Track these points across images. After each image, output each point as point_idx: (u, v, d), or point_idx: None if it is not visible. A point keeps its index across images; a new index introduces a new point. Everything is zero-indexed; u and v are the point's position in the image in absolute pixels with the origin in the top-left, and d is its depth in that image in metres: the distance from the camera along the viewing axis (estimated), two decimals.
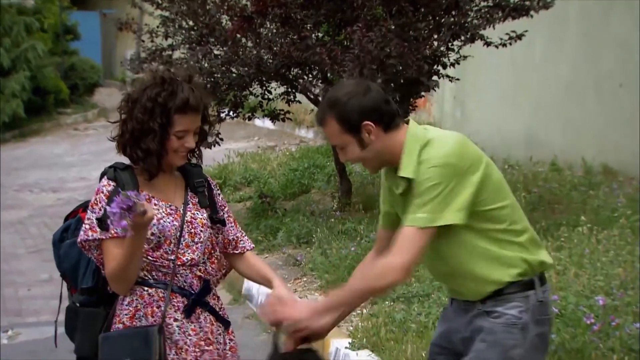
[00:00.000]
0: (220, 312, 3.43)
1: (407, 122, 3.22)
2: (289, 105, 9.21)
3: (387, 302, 6.29)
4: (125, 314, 3.29)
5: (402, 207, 3.21)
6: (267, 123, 12.67)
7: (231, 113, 8.86)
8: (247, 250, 3.51)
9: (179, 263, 3.26)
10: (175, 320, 3.28)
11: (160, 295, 3.27)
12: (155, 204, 3.27)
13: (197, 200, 3.37)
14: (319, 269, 7.35)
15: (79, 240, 3.24)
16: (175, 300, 3.28)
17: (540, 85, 11.03)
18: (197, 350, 3.30)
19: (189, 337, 3.30)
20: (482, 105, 12.03)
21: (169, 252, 3.27)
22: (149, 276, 3.27)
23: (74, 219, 3.46)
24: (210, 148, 9.06)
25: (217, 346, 3.37)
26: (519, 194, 8.77)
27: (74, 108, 21.89)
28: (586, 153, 9.93)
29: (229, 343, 3.45)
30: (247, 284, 7.55)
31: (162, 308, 3.26)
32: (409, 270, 3.09)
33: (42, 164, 15.86)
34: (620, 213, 7.53)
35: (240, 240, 3.51)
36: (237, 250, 3.49)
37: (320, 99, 8.35)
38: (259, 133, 16.25)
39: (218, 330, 3.40)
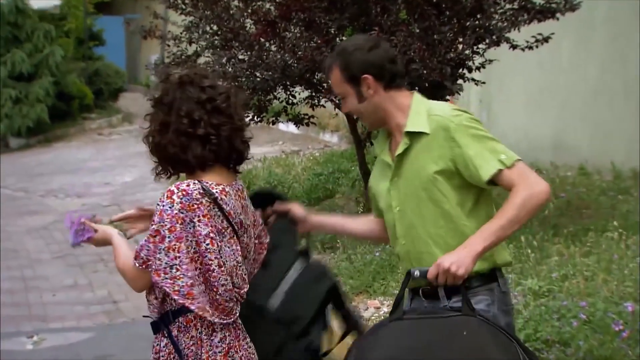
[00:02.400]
0: None
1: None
2: (313, 109, 9.16)
3: None
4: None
5: (395, 172, 3.21)
6: (292, 127, 12.62)
7: (255, 118, 8.83)
8: None
9: None
10: None
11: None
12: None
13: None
14: (343, 274, 7.29)
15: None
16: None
17: (567, 88, 10.92)
18: None
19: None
20: (509, 108, 11.93)
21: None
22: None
23: None
24: None
25: None
26: None
27: (99, 113, 21.95)
28: (615, 157, 9.81)
29: None
30: None
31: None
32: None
33: (67, 169, 15.91)
34: None
35: None
36: None
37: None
38: (283, 137, 16.22)
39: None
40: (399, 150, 3.18)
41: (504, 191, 3.13)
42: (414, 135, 3.16)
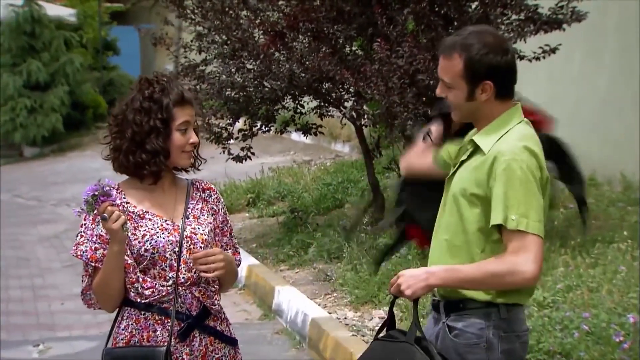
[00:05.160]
0: (225, 332, 3.33)
1: (515, 102, 3.17)
2: (322, 119, 9.19)
3: None
4: (121, 339, 3.21)
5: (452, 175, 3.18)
6: (303, 137, 12.71)
7: (263, 127, 8.86)
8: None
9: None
10: (170, 345, 3.17)
11: (157, 318, 3.18)
12: (149, 219, 3.19)
13: (199, 213, 3.28)
14: (349, 284, 7.30)
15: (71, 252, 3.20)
16: (170, 323, 3.18)
17: (577, 99, 10.88)
18: None
19: None
20: None
21: (166, 270, 3.17)
22: (144, 298, 3.16)
23: None
24: (241, 162, 9.10)
25: None
26: (555, 210, 8.66)
27: None
28: (625, 168, 9.76)
29: None
30: (278, 299, 7.52)
31: (159, 332, 3.17)
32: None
33: (81, 178, 15.98)
34: None
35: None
36: None
37: (353, 114, 8.32)
38: (294, 147, 16.24)
39: (217, 352, 3.29)
40: (463, 157, 3.13)
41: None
42: (477, 147, 3.09)
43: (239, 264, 3.41)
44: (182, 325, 3.19)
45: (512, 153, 2.99)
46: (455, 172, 3.17)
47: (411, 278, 3.03)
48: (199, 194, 3.33)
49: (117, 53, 24.03)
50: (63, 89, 20.26)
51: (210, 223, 3.29)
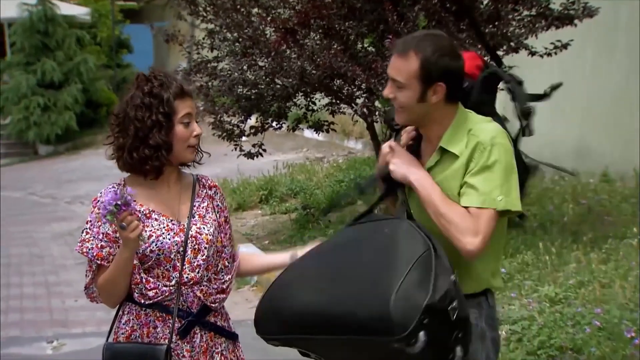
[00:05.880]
0: (226, 327, 3.33)
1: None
2: (334, 116, 9.20)
3: None
4: (122, 333, 3.21)
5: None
6: (316, 134, 12.74)
7: (274, 124, 8.88)
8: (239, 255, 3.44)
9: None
10: (171, 342, 3.18)
11: (157, 315, 3.18)
12: (155, 219, 3.18)
13: (204, 212, 3.27)
14: None
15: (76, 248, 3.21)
16: (171, 321, 3.18)
17: (591, 95, 10.86)
18: None
19: (183, 359, 3.21)
20: None
21: (170, 270, 3.17)
22: (148, 299, 3.16)
23: None
24: (253, 158, 9.12)
25: None
26: (567, 205, 8.65)
27: None
28: (638, 164, 9.74)
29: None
30: None
31: (159, 329, 3.18)
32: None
33: (94, 176, 16.06)
34: None
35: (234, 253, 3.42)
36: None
37: (364, 110, 8.33)
38: (307, 144, 16.26)
39: (217, 346, 3.30)
40: (430, 164, 3.11)
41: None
42: (446, 152, 3.08)
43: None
44: (183, 322, 3.19)
45: (490, 139, 3.00)
46: None
47: (400, 163, 3.08)
48: (205, 191, 3.32)
49: (130, 51, 24.11)
50: (77, 87, 20.34)
51: (215, 221, 3.28)
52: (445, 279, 2.84)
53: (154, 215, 3.18)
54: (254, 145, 9.02)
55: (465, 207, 2.98)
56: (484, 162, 3.00)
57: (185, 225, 3.19)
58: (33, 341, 7.35)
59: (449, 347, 2.88)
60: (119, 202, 2.93)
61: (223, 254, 3.31)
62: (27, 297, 8.75)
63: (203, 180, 3.35)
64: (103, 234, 3.14)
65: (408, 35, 3.19)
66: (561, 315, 5.67)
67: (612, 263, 6.70)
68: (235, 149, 8.89)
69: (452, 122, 3.09)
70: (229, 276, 3.32)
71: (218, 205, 3.34)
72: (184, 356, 3.20)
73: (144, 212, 3.17)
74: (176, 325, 3.18)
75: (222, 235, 3.32)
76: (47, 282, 9.41)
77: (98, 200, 3.17)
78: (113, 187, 3.10)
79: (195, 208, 3.26)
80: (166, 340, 3.16)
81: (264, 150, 8.85)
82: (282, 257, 3.41)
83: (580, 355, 5.19)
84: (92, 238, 3.15)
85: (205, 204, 3.29)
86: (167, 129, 3.14)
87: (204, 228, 3.22)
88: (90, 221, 3.17)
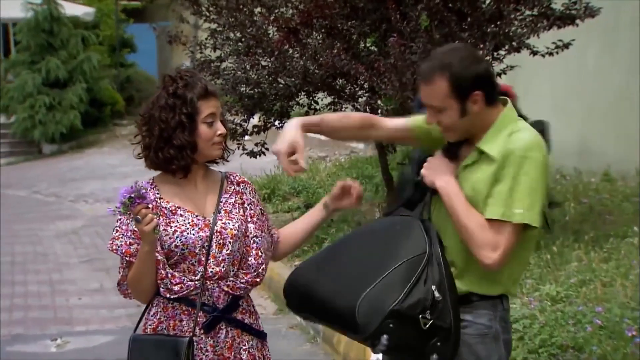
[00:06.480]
0: (254, 325, 3.35)
1: (504, 103, 3.15)
2: None
3: None
4: (150, 325, 3.28)
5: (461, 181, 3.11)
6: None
7: (277, 123, 8.91)
8: (280, 235, 3.48)
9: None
10: (195, 335, 3.22)
11: (184, 309, 3.23)
12: (180, 215, 3.23)
13: (231, 207, 3.30)
14: None
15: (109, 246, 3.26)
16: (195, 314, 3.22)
17: (593, 94, 10.88)
18: None
19: (206, 354, 3.24)
20: (534, 114, 11.79)
21: (195, 265, 3.21)
22: (173, 293, 3.21)
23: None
24: (255, 157, 9.15)
25: None
26: (569, 204, 8.68)
27: (130, 119, 22.22)
28: None
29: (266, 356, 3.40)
30: None
31: (184, 322, 3.22)
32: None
33: (98, 175, 16.11)
34: None
35: (274, 235, 3.46)
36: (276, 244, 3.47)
37: (367, 109, 8.35)
38: (310, 143, 16.27)
39: (244, 344, 3.31)
40: (466, 162, 3.09)
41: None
42: (484, 153, 3.06)
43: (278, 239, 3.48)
44: (208, 317, 3.23)
45: (524, 150, 2.99)
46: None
47: (431, 168, 3.11)
48: (233, 187, 3.35)
49: (134, 50, 24.15)
50: (81, 86, 20.39)
51: (242, 217, 3.30)
52: (424, 288, 2.87)
53: (179, 212, 3.23)
54: (256, 144, 9.04)
55: (488, 219, 2.99)
56: (513, 173, 2.99)
57: (211, 221, 3.23)
58: (37, 339, 7.41)
59: (425, 353, 2.91)
60: (132, 195, 2.99)
61: (255, 245, 3.30)
62: (32, 295, 8.80)
63: (231, 176, 3.39)
64: (131, 231, 3.19)
65: (426, 59, 3.15)
66: (562, 314, 5.67)
67: (614, 262, 6.71)
68: (238, 147, 8.93)
69: (494, 123, 3.08)
70: (264, 266, 3.32)
71: (249, 199, 3.36)
72: (207, 350, 3.24)
73: (170, 209, 3.23)
74: (201, 319, 3.22)
75: (256, 227, 3.33)
76: (52, 280, 9.47)
77: None
78: (143, 183, 3.18)
79: (221, 204, 3.30)
80: (190, 333, 3.21)
81: (267, 149, 8.88)
82: (317, 213, 3.49)
83: (582, 354, 5.20)
84: (121, 235, 3.21)
85: (233, 199, 3.33)
86: (190, 130, 3.19)
87: (229, 223, 3.25)
88: (120, 219, 3.22)
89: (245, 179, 3.43)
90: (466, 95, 3.00)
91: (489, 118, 3.08)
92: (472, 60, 3.05)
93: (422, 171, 3.11)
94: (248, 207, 3.34)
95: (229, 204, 3.31)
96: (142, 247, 3.12)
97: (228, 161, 3.39)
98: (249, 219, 3.32)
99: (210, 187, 3.33)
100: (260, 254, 3.30)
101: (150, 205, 3.06)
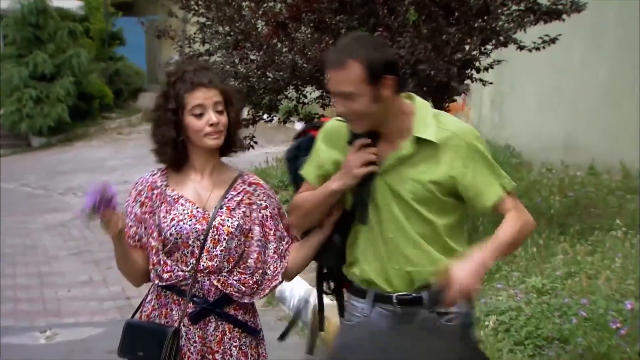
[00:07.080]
0: (249, 322, 3.35)
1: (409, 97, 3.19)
2: (324, 109, 9.26)
3: None
4: (144, 311, 3.36)
5: (387, 170, 3.10)
6: None
7: (265, 116, 8.94)
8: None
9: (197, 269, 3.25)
10: (184, 326, 3.26)
11: (174, 298, 3.27)
12: (181, 204, 3.27)
13: (235, 206, 3.28)
14: None
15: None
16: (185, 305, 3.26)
17: (578, 89, 10.97)
18: (200, 357, 3.28)
19: (194, 345, 3.28)
20: (520, 109, 11.99)
21: (187, 256, 3.24)
22: (163, 280, 3.27)
23: (305, 137, 3.37)
24: (244, 151, 9.17)
25: (225, 356, 3.30)
26: (554, 198, 8.75)
27: (118, 113, 22.20)
28: (624, 157, 9.86)
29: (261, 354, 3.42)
30: (280, 286, 7.60)
31: (174, 312, 3.27)
32: None
33: (87, 168, 16.09)
34: None
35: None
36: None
37: None
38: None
39: (235, 340, 3.31)
40: (401, 154, 3.07)
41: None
42: (420, 142, 3.07)
43: (291, 242, 3.39)
44: (196, 308, 3.26)
45: (465, 134, 3.10)
46: (390, 171, 3.11)
47: (468, 277, 2.87)
48: (243, 187, 3.33)
49: (123, 44, 24.09)
50: (69, 79, 20.32)
51: (246, 217, 3.29)
52: None
53: (181, 201, 3.28)
54: (245, 138, 9.05)
55: (494, 201, 3.08)
56: (477, 155, 3.07)
57: (211, 215, 3.25)
58: (26, 331, 7.42)
59: None
60: (97, 200, 3.06)
61: (253, 248, 3.30)
62: (21, 288, 8.81)
63: (246, 176, 3.37)
64: (134, 214, 3.32)
65: (331, 49, 3.23)
66: (548, 306, 5.74)
67: (599, 254, 6.79)
68: None
69: (415, 110, 3.10)
70: (261, 271, 3.30)
71: (258, 202, 3.33)
72: (195, 341, 3.28)
73: (173, 197, 3.29)
74: (189, 310, 3.26)
75: (262, 230, 3.31)
76: (40, 272, 9.47)
77: (137, 183, 3.38)
78: (153, 171, 3.36)
79: (226, 200, 3.29)
80: (178, 324, 3.26)
81: (256, 142, 8.89)
82: (317, 238, 3.32)
83: (567, 346, 5.27)
84: (127, 217, 3.32)
85: (240, 198, 3.31)
86: (176, 124, 3.24)
87: (228, 220, 3.26)
88: (127, 202, 3.36)
89: (261, 182, 3.38)
90: (378, 79, 2.98)
91: (399, 106, 3.09)
92: (381, 45, 3.14)
93: (455, 285, 2.85)
94: (256, 209, 3.32)
95: (234, 202, 3.29)
96: (112, 240, 3.22)
97: (244, 152, 3.39)
98: (257, 222, 3.31)
99: (219, 181, 3.31)
100: (261, 258, 3.30)
101: (116, 207, 3.11)
